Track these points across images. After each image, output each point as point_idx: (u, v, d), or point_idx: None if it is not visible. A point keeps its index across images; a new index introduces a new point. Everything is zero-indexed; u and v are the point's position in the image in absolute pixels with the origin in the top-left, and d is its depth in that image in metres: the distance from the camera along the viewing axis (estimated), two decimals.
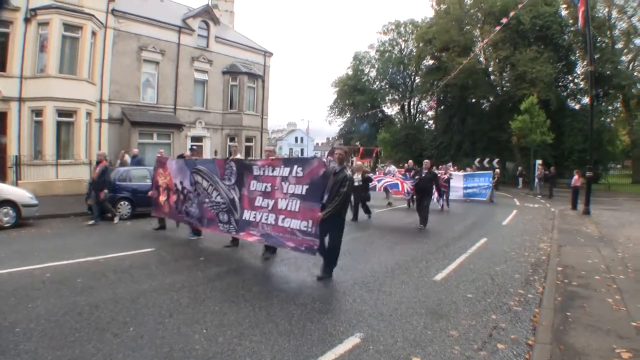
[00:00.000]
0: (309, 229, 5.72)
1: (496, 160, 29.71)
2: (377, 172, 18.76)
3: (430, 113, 47.63)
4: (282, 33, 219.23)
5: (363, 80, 52.76)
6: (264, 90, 27.15)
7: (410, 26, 49.27)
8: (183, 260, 6.95)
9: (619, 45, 33.91)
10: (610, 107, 35.02)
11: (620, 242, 9.18)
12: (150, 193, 9.89)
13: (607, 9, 32.68)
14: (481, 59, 37.31)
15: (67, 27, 16.93)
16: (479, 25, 35.98)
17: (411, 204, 15.27)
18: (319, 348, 3.73)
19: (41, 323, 4.10)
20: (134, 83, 20.53)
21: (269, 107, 28.00)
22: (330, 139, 76.87)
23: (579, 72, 35.91)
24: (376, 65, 52.67)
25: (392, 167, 19.75)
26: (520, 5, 24.96)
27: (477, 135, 36.96)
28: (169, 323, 4.21)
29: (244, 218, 6.88)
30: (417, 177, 12.17)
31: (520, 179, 29.76)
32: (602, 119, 32.26)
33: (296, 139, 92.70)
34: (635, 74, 32.56)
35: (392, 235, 10.01)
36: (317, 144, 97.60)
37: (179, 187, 8.61)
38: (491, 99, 38.34)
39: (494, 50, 34.68)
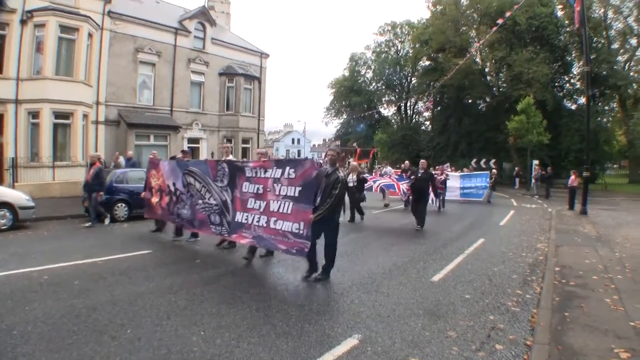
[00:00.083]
0: (301, 231, 5.68)
1: (493, 160, 29.77)
2: (373, 173, 18.80)
3: (426, 114, 47.75)
4: (278, 34, 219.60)
5: (359, 81, 52.83)
6: (261, 91, 27.13)
7: (407, 27, 49.40)
8: (180, 263, 6.93)
9: (615, 46, 34.08)
10: (606, 107, 35.25)
11: (618, 242, 9.19)
12: (143, 194, 9.85)
13: (603, 10, 32.81)
14: (477, 59, 37.37)
15: (64, 29, 16.92)
16: (475, 26, 36.03)
17: (408, 204, 15.27)
18: (317, 350, 3.73)
19: (38, 326, 4.09)
20: (131, 85, 20.49)
21: (266, 108, 28.03)
22: (327, 141, 76.85)
23: (575, 73, 36.16)
24: (372, 66, 52.84)
25: (389, 169, 19.80)
26: (516, 6, 25.04)
27: (473, 135, 37.00)
28: (166, 325, 4.20)
29: (236, 220, 6.83)
30: (412, 177, 12.14)
31: (517, 180, 29.83)
32: (599, 119, 32.44)
33: (293, 140, 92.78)
34: (632, 74, 32.65)
35: (390, 236, 10.00)
36: (314, 145, 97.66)
37: (172, 188, 8.58)
38: (487, 99, 38.47)
39: (490, 51, 34.83)
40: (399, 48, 51.43)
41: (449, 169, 20.82)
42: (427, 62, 43.68)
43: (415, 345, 3.87)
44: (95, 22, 18.15)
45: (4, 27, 16.08)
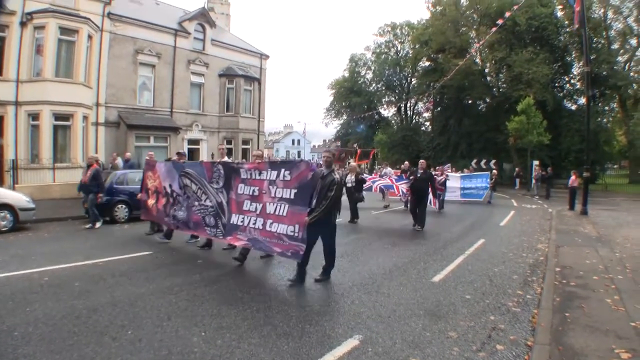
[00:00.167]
0: (296, 234, 5.64)
1: (493, 161, 29.74)
2: (373, 174, 18.83)
3: (426, 115, 47.73)
4: (278, 35, 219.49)
5: (359, 82, 52.93)
6: (261, 92, 27.15)
7: (406, 28, 49.47)
8: (181, 263, 6.93)
9: (615, 46, 34.08)
10: (606, 108, 35.22)
11: (618, 242, 9.20)
12: (139, 196, 9.82)
13: (602, 10, 32.83)
14: (477, 60, 37.38)
15: (63, 30, 16.93)
16: (474, 27, 36.06)
17: (408, 205, 15.25)
18: (318, 350, 3.73)
19: (39, 327, 4.09)
20: (131, 86, 20.50)
21: (266, 109, 28.06)
22: (327, 141, 76.93)
23: (575, 73, 36.14)
24: (372, 67, 52.91)
25: (389, 169, 19.83)
26: (516, 7, 25.05)
27: (473, 136, 36.99)
28: (167, 326, 4.20)
29: (231, 222, 6.79)
30: (412, 177, 12.11)
31: (518, 180, 29.82)
32: (599, 119, 32.43)
33: (293, 141, 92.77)
34: (632, 74, 32.65)
35: (390, 237, 9.99)
36: (314, 146, 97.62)
37: (168, 190, 8.53)
38: (487, 100, 38.45)
39: (490, 52, 34.84)
40: (399, 49, 51.56)
41: (450, 170, 20.83)
42: (427, 63, 43.68)
43: (416, 345, 3.87)
44: (95, 24, 18.17)
45: (3, 29, 16.09)
